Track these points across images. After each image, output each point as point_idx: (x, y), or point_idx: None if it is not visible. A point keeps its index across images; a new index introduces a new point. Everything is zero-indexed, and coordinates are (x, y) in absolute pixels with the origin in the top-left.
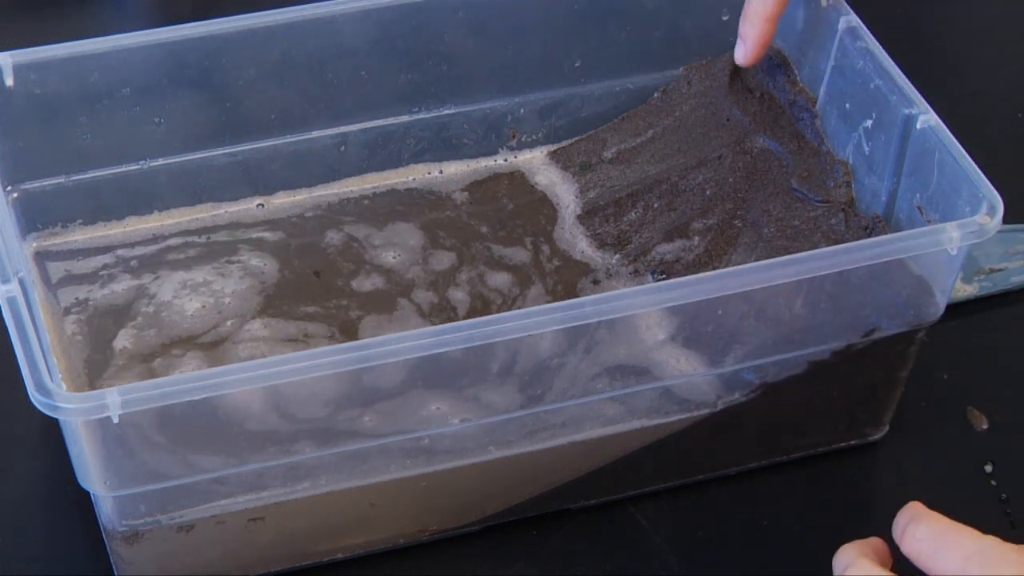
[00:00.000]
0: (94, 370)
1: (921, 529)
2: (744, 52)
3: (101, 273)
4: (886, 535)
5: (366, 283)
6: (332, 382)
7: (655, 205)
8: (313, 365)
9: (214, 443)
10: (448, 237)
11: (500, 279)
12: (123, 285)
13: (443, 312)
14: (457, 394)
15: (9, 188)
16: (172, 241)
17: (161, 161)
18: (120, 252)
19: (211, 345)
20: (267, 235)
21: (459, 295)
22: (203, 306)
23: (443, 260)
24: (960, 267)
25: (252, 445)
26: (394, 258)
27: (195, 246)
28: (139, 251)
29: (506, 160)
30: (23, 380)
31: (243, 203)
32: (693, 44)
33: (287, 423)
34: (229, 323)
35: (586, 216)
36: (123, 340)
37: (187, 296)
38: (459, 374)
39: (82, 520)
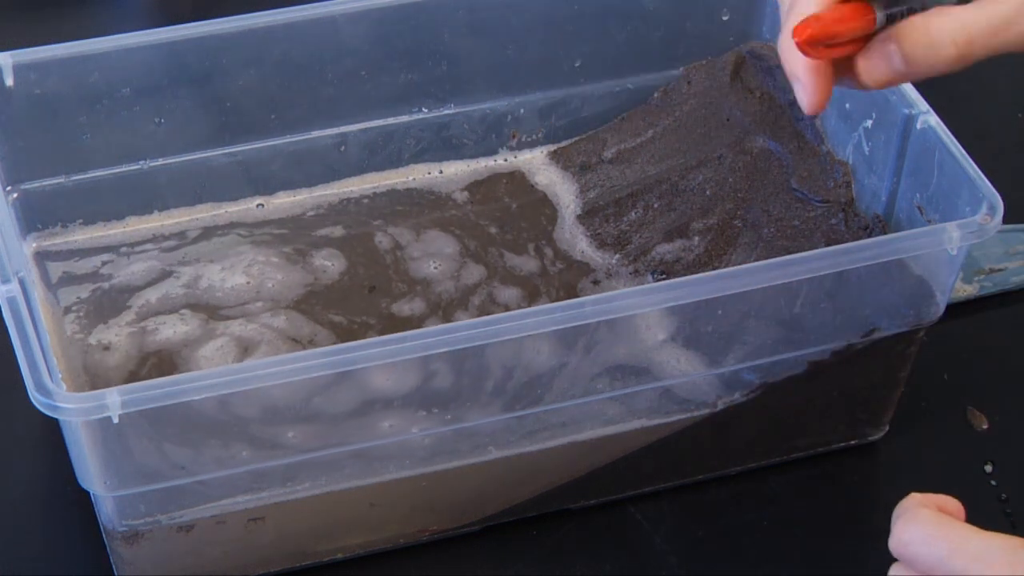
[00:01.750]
0: (102, 315)
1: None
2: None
3: (132, 247)
4: (886, 535)
5: (405, 307)
6: (337, 383)
7: (655, 205)
8: (318, 364)
9: (214, 443)
10: (466, 237)
11: (510, 294)
12: (165, 258)
13: None
14: (450, 402)
15: (9, 188)
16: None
17: (161, 161)
18: (121, 251)
19: (221, 318)
20: (334, 232)
21: (466, 317)
22: (248, 282)
23: (473, 273)
24: (960, 267)
25: (250, 445)
26: (435, 268)
27: (246, 237)
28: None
29: (506, 160)
30: (23, 380)
31: (243, 203)
32: (693, 44)
33: (288, 423)
34: (259, 304)
35: (586, 216)
36: (150, 294)
37: (241, 270)
38: (457, 379)
39: (82, 520)
